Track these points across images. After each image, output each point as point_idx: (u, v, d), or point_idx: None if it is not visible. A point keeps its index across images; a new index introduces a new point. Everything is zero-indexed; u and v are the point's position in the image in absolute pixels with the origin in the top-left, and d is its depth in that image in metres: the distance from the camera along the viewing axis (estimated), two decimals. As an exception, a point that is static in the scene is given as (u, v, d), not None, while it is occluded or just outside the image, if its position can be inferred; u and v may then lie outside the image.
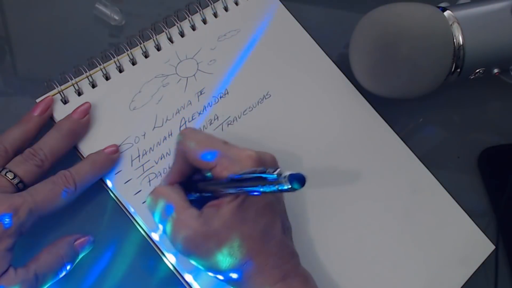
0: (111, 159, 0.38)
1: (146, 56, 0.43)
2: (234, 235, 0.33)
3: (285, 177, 0.27)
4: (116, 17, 0.47)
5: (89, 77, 0.41)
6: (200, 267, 0.34)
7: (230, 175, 0.32)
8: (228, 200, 0.33)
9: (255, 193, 0.30)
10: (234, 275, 0.34)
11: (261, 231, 0.34)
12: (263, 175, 0.29)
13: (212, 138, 0.36)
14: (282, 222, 0.35)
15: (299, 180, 0.27)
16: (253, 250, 0.33)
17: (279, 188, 0.28)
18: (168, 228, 0.34)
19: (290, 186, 0.27)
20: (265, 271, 0.33)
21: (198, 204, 0.35)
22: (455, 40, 0.43)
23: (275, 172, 0.28)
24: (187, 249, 0.34)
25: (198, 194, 0.36)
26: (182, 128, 0.42)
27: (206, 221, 0.33)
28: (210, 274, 0.35)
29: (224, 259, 0.33)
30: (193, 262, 0.34)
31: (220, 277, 0.34)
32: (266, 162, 0.35)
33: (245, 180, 0.31)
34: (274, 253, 0.34)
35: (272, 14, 0.49)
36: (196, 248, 0.33)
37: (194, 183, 0.36)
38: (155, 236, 0.38)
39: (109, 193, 0.40)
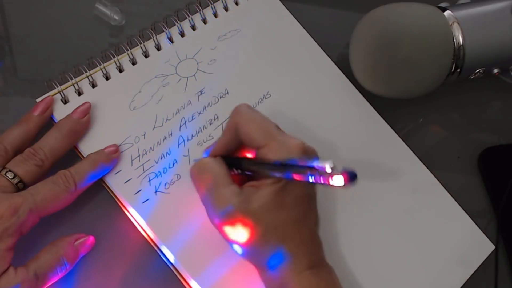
0: (111, 158, 0.38)
1: (146, 56, 0.43)
2: (271, 218, 0.33)
3: (339, 171, 0.28)
4: (116, 17, 0.47)
5: (89, 77, 0.41)
6: (232, 244, 0.35)
7: (280, 159, 0.33)
8: (269, 183, 0.34)
9: (302, 181, 0.31)
10: (263, 258, 0.34)
11: (296, 219, 0.34)
12: (316, 166, 0.29)
13: (266, 119, 0.37)
14: (316, 214, 0.36)
15: (352, 176, 0.28)
16: (287, 236, 0.34)
17: (329, 181, 0.28)
18: (209, 200, 0.35)
19: (343, 181, 0.28)
20: (295, 258, 0.34)
21: (236, 181, 0.36)
22: (455, 40, 0.43)
23: (330, 165, 0.29)
24: (223, 224, 0.34)
25: (238, 171, 0.36)
26: (182, 128, 0.42)
27: (246, 199, 0.34)
28: (240, 252, 0.35)
29: (257, 239, 0.33)
30: (226, 237, 0.35)
31: (247, 257, 0.35)
32: (311, 155, 0.36)
33: (294, 167, 0.31)
34: (306, 242, 0.34)
35: (272, 14, 0.49)
36: (232, 224, 0.34)
37: (238, 160, 0.37)
38: (155, 236, 0.38)
39: (109, 193, 0.40)
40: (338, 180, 0.28)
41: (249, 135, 0.36)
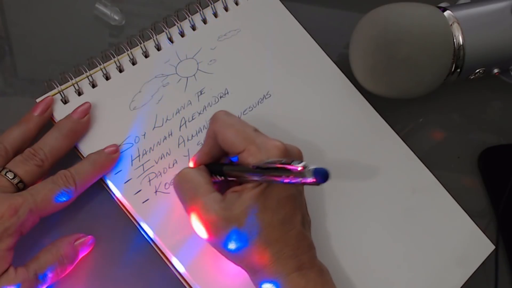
0: (111, 159, 0.38)
1: (146, 56, 0.43)
2: (254, 222, 0.33)
3: (309, 170, 0.28)
4: (116, 17, 0.47)
5: (89, 77, 0.41)
6: (217, 250, 0.35)
7: (257, 163, 0.33)
8: (251, 187, 0.33)
9: (279, 183, 0.31)
10: (250, 262, 0.34)
11: (280, 221, 0.34)
12: (288, 167, 0.29)
13: (243, 123, 0.36)
14: (302, 214, 0.36)
15: (323, 174, 0.28)
16: (271, 238, 0.33)
17: (303, 181, 0.28)
18: (190, 209, 0.35)
19: (314, 180, 0.28)
20: (281, 260, 0.34)
21: (221, 188, 0.36)
22: (455, 40, 0.43)
23: (300, 165, 0.29)
24: (207, 232, 0.34)
25: (222, 178, 0.36)
26: (182, 128, 0.42)
27: (228, 206, 0.34)
28: (227, 259, 0.35)
29: (242, 245, 0.33)
30: (211, 245, 0.35)
31: (236, 262, 0.35)
32: (293, 155, 0.35)
33: (270, 169, 0.31)
34: (292, 243, 0.34)
35: (272, 14, 0.49)
36: (216, 232, 0.34)
37: (220, 166, 0.37)
38: (155, 236, 0.38)
39: (109, 193, 0.40)
40: (310, 180, 0.28)
41: (227, 141, 0.35)
